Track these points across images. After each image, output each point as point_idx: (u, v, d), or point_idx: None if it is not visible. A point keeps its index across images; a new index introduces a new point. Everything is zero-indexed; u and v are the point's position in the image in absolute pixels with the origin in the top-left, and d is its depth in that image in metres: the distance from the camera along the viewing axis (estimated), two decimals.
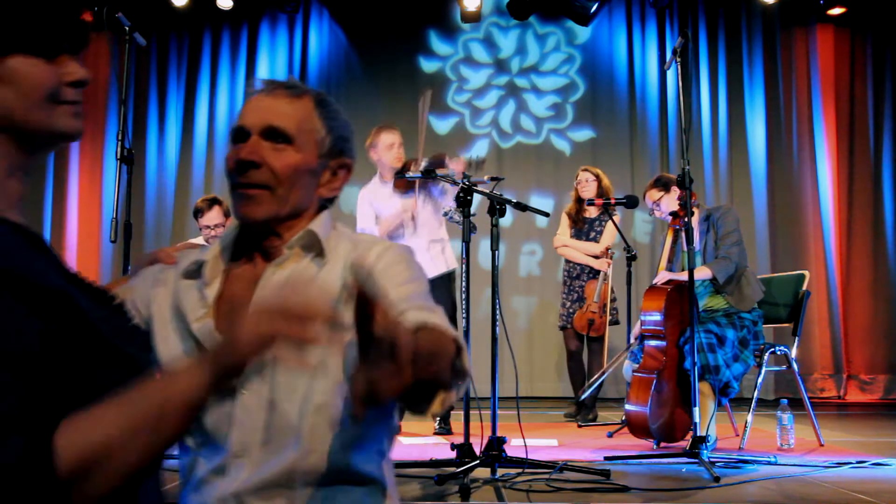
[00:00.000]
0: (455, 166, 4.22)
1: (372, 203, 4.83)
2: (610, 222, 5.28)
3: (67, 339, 0.84)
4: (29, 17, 0.91)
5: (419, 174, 4.22)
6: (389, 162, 4.71)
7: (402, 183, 4.66)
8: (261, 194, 1.29)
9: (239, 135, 1.31)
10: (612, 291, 5.34)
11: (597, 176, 5.41)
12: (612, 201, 5.03)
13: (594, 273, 5.34)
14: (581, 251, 5.40)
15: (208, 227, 4.83)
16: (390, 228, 4.77)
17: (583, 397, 5.04)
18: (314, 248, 1.32)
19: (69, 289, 0.88)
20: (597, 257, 5.32)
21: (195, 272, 1.33)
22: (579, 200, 5.43)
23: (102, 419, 0.81)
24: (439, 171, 4.06)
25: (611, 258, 5.28)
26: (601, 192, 5.35)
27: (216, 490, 1.22)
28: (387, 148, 4.74)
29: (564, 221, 5.55)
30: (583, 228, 5.45)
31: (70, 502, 0.77)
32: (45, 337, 0.82)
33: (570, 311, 5.38)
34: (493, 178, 4.06)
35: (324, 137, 1.35)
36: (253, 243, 1.34)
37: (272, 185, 1.29)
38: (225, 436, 1.22)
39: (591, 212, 5.44)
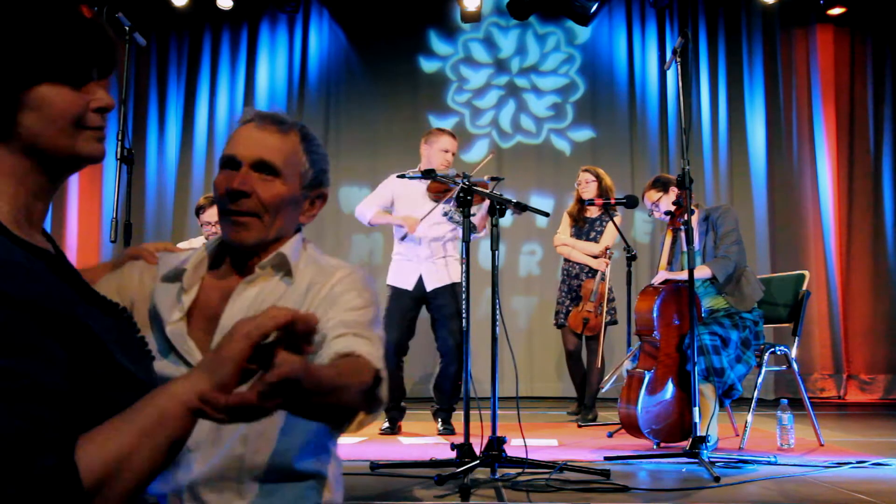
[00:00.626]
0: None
1: (395, 189, 4.81)
2: (611, 223, 5.29)
3: (86, 366, 0.89)
4: (58, 47, 0.95)
5: (419, 174, 4.21)
6: (436, 163, 4.69)
7: (436, 188, 4.62)
8: (250, 221, 1.43)
9: (230, 163, 1.44)
10: (611, 291, 5.34)
11: (597, 176, 5.42)
12: (612, 201, 5.05)
13: (592, 272, 5.35)
14: (580, 250, 5.40)
15: (209, 223, 4.87)
16: (386, 222, 4.80)
17: (604, 390, 5.04)
18: (283, 268, 1.46)
19: (88, 314, 0.91)
20: (595, 257, 5.33)
21: (174, 277, 1.45)
22: (581, 201, 5.44)
23: (113, 432, 0.87)
24: (439, 174, 4.06)
25: (609, 258, 5.29)
26: (602, 192, 5.35)
27: (172, 480, 1.35)
28: (441, 151, 4.75)
29: (565, 220, 5.57)
30: (583, 228, 5.46)
31: None
32: (69, 365, 0.87)
33: (568, 309, 5.38)
34: (493, 178, 4.07)
35: (307, 170, 1.49)
36: (231, 258, 1.48)
37: (260, 213, 1.43)
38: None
39: (593, 212, 5.44)
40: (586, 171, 5.49)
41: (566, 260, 5.52)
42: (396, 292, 4.78)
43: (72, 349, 0.87)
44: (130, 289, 1.46)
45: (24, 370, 0.81)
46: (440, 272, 4.72)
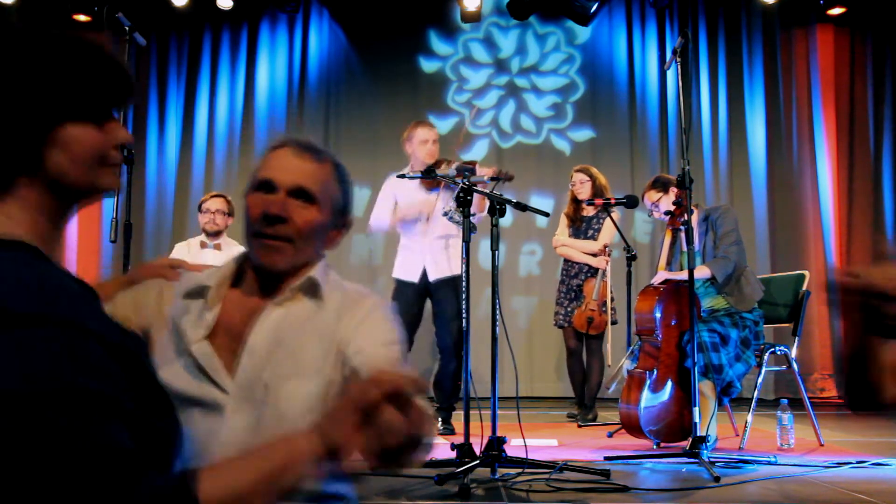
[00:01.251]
0: (486, 173, 4.26)
1: (395, 192, 4.90)
2: (608, 220, 5.29)
3: (139, 396, 0.93)
4: (84, 87, 0.99)
5: (419, 174, 4.23)
6: (422, 157, 4.80)
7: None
8: (283, 246, 1.43)
9: (266, 186, 1.45)
10: (611, 290, 5.34)
11: (591, 175, 5.41)
12: (612, 201, 5.05)
13: (593, 271, 5.34)
14: (579, 250, 5.40)
15: (209, 211, 5.01)
16: (405, 218, 4.84)
17: (610, 390, 5.05)
18: (312, 291, 1.46)
19: (128, 343, 0.95)
20: (595, 255, 5.33)
21: (197, 294, 1.44)
22: (576, 201, 5.45)
23: (237, 469, 0.94)
24: (438, 171, 4.08)
25: (609, 256, 5.29)
26: (597, 190, 5.35)
27: None
28: (421, 143, 4.82)
29: (563, 222, 5.57)
30: (581, 227, 5.46)
31: None
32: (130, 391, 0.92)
33: (569, 309, 5.38)
34: (493, 179, 4.07)
35: (338, 199, 1.51)
36: (256, 277, 1.47)
37: (294, 238, 1.43)
38: (210, 451, 1.30)
39: (589, 211, 5.45)
40: (580, 171, 5.48)
41: (565, 260, 5.52)
42: (401, 285, 4.89)
43: (130, 376, 0.91)
44: (148, 306, 1.45)
45: (112, 394, 0.86)
46: (442, 264, 4.79)
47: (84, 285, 0.98)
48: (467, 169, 3.86)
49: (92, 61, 1.01)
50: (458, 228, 4.76)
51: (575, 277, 5.42)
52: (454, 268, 4.80)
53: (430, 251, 4.81)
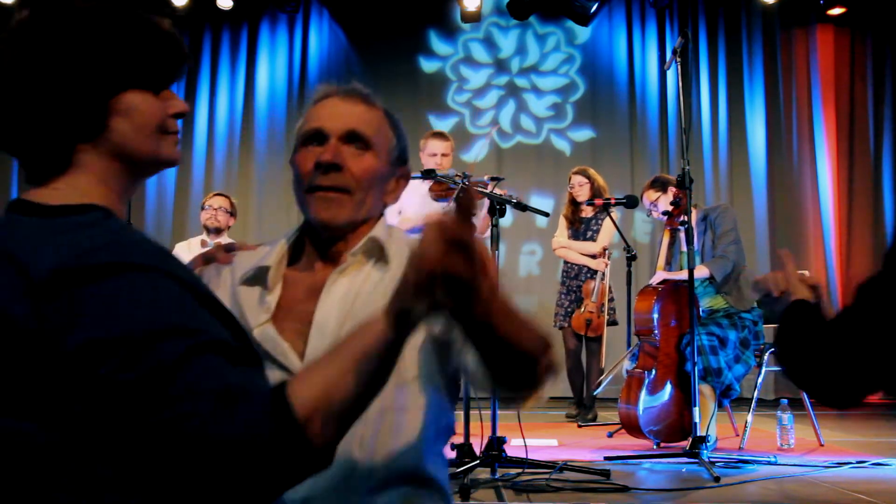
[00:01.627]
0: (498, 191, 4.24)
1: (402, 200, 4.86)
2: (607, 220, 5.29)
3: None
4: (144, 56, 1.01)
5: (419, 174, 4.23)
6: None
7: (438, 188, 4.69)
8: (341, 198, 1.30)
9: (316, 137, 1.32)
10: (610, 291, 5.34)
11: (589, 177, 5.41)
12: (612, 201, 5.04)
13: (592, 273, 5.34)
14: (578, 251, 5.41)
15: (211, 207, 5.00)
16: (409, 227, 4.82)
17: (596, 392, 5.05)
18: (376, 253, 1.32)
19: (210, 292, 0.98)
20: (594, 256, 5.33)
21: (256, 277, 1.33)
22: (574, 203, 5.45)
23: (319, 366, 0.94)
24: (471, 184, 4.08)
25: (608, 258, 5.29)
26: (595, 191, 5.35)
27: (282, 499, 1.18)
28: (429, 155, 4.80)
29: (562, 224, 5.57)
30: (580, 229, 5.46)
31: (309, 447, 0.88)
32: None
33: (568, 310, 5.38)
34: (492, 179, 4.07)
35: (394, 145, 1.38)
36: (314, 248, 1.35)
37: (352, 188, 1.31)
38: None
39: (588, 211, 5.45)
40: (578, 173, 5.48)
41: (566, 261, 5.52)
42: None
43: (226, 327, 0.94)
44: None
45: (217, 333, 0.89)
46: None
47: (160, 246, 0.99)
48: (476, 183, 3.87)
49: (150, 32, 1.04)
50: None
51: (575, 279, 5.42)
52: None
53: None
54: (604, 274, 5.26)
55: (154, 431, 0.83)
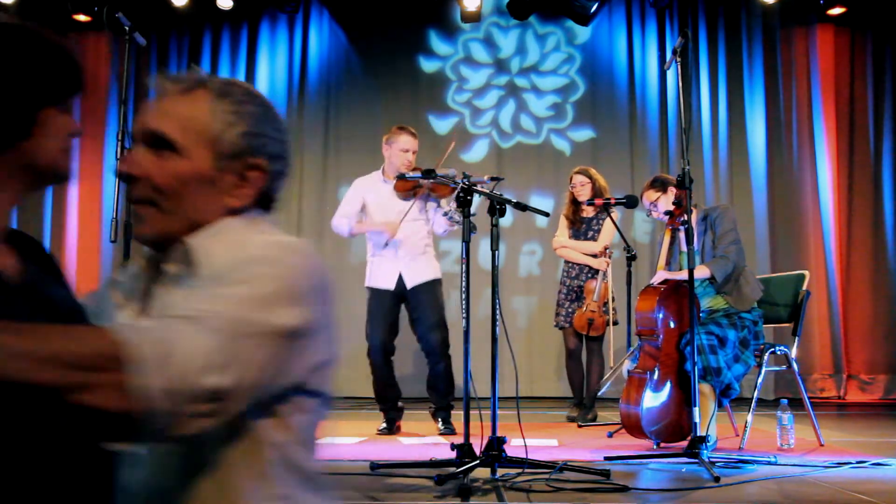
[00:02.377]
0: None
1: (364, 195, 4.83)
2: (608, 220, 5.29)
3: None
4: (59, 74, 1.08)
5: (420, 174, 4.22)
6: (398, 164, 4.72)
7: (403, 187, 4.67)
8: (146, 211, 1.12)
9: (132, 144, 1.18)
10: (612, 291, 5.34)
11: (590, 177, 5.41)
12: (612, 201, 5.05)
13: (593, 273, 5.34)
14: (579, 251, 5.40)
15: None
16: (367, 231, 4.80)
17: (600, 393, 5.05)
18: (187, 260, 1.09)
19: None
20: (595, 256, 5.33)
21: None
22: (575, 202, 5.45)
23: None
24: (440, 173, 4.07)
25: (609, 257, 5.29)
26: (597, 192, 5.35)
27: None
28: (401, 151, 4.75)
29: (563, 223, 5.56)
30: (580, 229, 5.46)
31: None
32: None
33: (569, 310, 5.38)
34: (492, 178, 4.07)
35: (221, 136, 1.13)
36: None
37: (156, 200, 1.11)
38: None
39: (588, 211, 5.45)
40: (579, 173, 5.47)
41: (566, 261, 5.52)
42: (377, 293, 4.80)
43: None
44: None
45: None
46: (420, 269, 4.75)
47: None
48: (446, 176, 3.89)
49: (59, 50, 1.09)
50: (428, 230, 4.78)
51: (576, 279, 5.42)
52: (433, 272, 4.79)
53: (405, 258, 4.75)
54: (605, 273, 5.26)
55: None
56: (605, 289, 5.26)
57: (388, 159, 4.83)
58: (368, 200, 4.83)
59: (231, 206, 1.15)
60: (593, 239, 5.41)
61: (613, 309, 5.33)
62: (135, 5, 6.32)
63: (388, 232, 4.65)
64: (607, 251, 5.30)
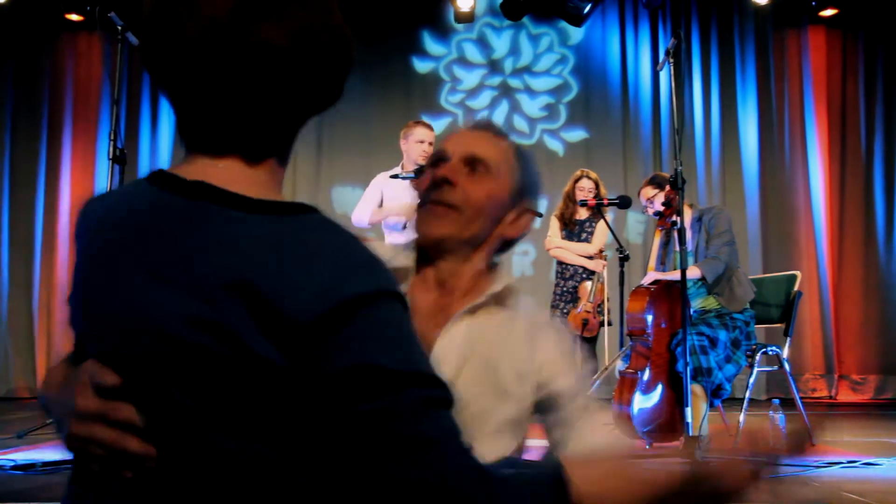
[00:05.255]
0: None
1: (383, 188, 4.89)
2: (601, 222, 5.28)
3: None
4: (332, 88, 1.00)
5: (412, 174, 4.23)
6: (415, 156, 4.78)
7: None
8: (446, 212, 1.29)
9: (438, 158, 1.34)
10: (607, 292, 5.34)
11: (596, 183, 5.41)
12: (605, 202, 5.05)
13: (587, 274, 5.35)
14: (575, 252, 5.40)
15: None
16: (387, 218, 4.83)
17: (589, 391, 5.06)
18: (505, 302, 1.33)
19: None
20: (591, 258, 5.33)
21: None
22: (572, 202, 5.41)
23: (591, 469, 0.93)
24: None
25: (605, 259, 5.30)
26: (598, 199, 5.35)
27: None
28: (416, 142, 4.81)
29: (554, 224, 5.53)
30: (574, 230, 5.45)
31: None
32: None
33: (563, 311, 5.38)
34: None
35: (518, 179, 1.37)
36: (427, 267, 1.33)
37: (461, 206, 1.29)
38: None
39: (582, 213, 5.44)
40: (587, 177, 5.42)
41: (559, 262, 5.51)
42: None
43: None
44: None
45: (438, 379, 0.83)
46: None
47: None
48: None
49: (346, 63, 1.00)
50: None
51: (570, 279, 5.42)
52: None
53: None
54: (601, 275, 5.26)
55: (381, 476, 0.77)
56: (600, 290, 5.26)
57: (405, 153, 4.89)
58: (386, 195, 4.89)
59: (505, 235, 1.38)
60: (587, 241, 5.41)
61: (608, 310, 5.34)
62: (127, 5, 6.29)
63: (404, 215, 4.71)
64: (603, 253, 5.31)
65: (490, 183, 1.32)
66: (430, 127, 4.92)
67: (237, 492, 0.78)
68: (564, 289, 5.43)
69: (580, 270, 5.38)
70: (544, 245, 5.65)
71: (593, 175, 5.48)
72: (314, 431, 0.78)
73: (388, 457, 0.76)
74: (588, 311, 5.24)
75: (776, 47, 7.72)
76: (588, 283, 5.29)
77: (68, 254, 7.42)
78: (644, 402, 3.99)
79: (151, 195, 0.84)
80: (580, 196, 5.39)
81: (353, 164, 7.44)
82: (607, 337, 5.44)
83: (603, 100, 7.76)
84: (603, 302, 5.26)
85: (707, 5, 7.76)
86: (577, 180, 5.45)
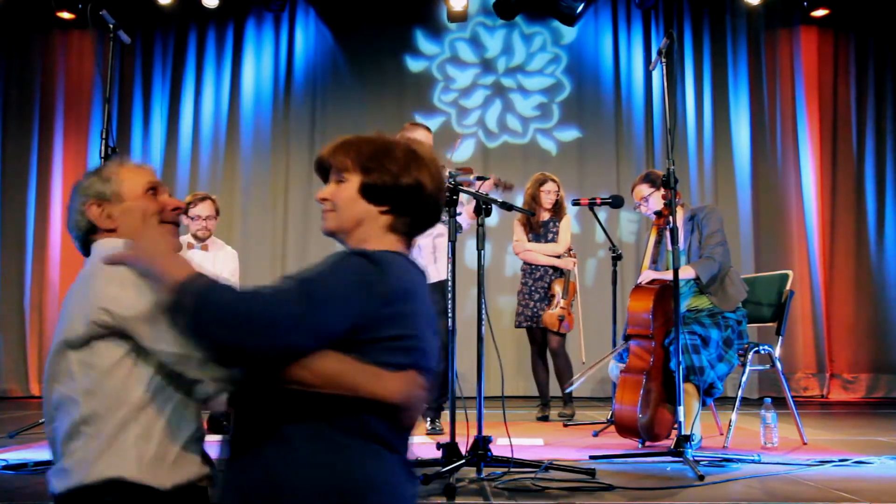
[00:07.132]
0: (487, 186, 4.26)
1: None
2: (564, 220, 5.54)
3: None
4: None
5: None
6: None
7: None
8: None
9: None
10: (578, 289, 5.51)
11: (558, 186, 5.63)
12: (598, 201, 5.09)
13: (558, 273, 5.47)
14: (544, 253, 5.51)
15: (199, 217, 4.80)
16: None
17: (569, 390, 5.09)
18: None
19: None
20: (559, 257, 5.46)
21: None
22: (537, 204, 5.57)
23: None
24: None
25: (574, 256, 5.50)
26: (559, 201, 5.60)
27: None
28: None
29: (518, 228, 5.67)
30: (540, 232, 5.58)
31: None
32: None
33: (535, 310, 5.46)
34: (478, 178, 4.07)
35: None
36: None
37: None
38: None
39: (544, 215, 5.57)
40: (554, 181, 5.63)
41: (525, 263, 5.61)
42: None
43: None
44: None
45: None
46: (430, 270, 4.75)
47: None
48: (460, 173, 3.87)
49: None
50: (445, 230, 4.77)
51: (540, 279, 5.52)
52: (441, 272, 4.79)
53: (418, 256, 4.79)
54: (574, 273, 5.42)
55: None
56: (573, 287, 5.39)
57: None
58: None
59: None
60: (553, 241, 5.54)
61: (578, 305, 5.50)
62: (119, 3, 6.28)
63: None
64: (571, 251, 5.47)
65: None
66: (426, 129, 4.90)
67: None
68: (533, 289, 5.52)
69: (550, 270, 5.49)
70: (512, 249, 5.72)
71: (556, 178, 5.64)
72: None
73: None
74: (563, 308, 5.36)
75: (768, 47, 7.75)
76: (560, 282, 5.43)
77: (61, 250, 7.39)
78: (645, 401, 3.97)
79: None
80: (545, 198, 5.52)
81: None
82: (583, 333, 5.51)
83: (596, 99, 7.78)
84: (576, 299, 5.39)
85: (699, 5, 7.78)
86: (541, 183, 5.58)
